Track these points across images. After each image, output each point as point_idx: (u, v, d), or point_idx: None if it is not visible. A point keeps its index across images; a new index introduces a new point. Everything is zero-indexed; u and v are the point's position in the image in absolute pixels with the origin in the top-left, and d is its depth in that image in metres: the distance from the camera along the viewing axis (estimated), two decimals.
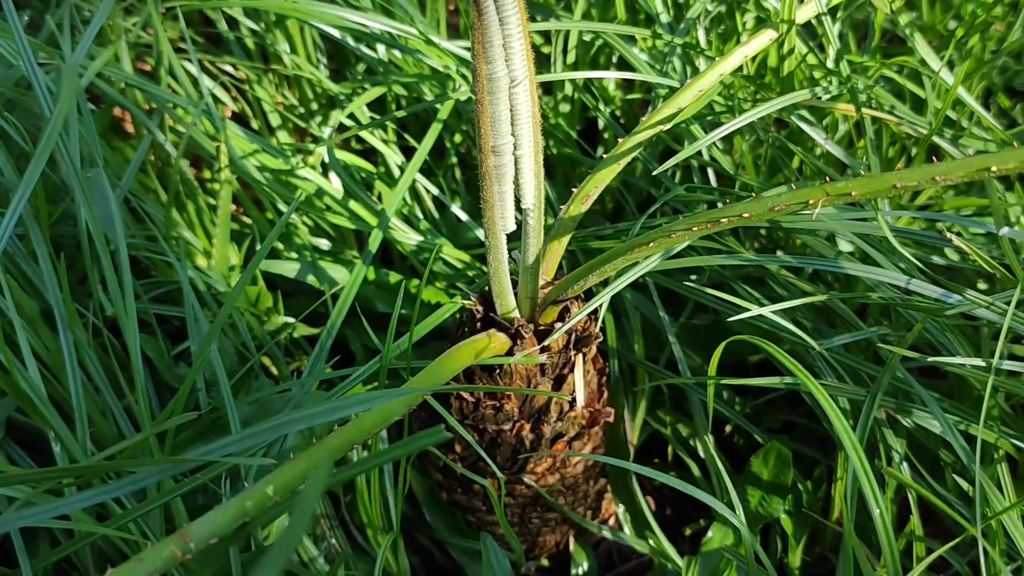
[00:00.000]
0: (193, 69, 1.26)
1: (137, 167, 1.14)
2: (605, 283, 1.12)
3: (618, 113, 1.39)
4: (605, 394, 1.08)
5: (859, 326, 1.03)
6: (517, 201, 0.89)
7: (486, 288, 1.04)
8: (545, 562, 1.20)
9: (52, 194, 1.09)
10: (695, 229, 0.82)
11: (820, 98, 1.07)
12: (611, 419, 1.06)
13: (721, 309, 1.13)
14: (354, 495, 1.09)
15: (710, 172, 1.22)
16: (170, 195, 1.14)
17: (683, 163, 1.28)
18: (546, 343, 0.95)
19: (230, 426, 0.93)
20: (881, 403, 0.96)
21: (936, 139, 1.08)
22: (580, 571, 1.17)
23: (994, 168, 0.67)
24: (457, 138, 1.37)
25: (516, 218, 0.89)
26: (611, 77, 1.22)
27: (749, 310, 1.06)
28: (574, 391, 1.02)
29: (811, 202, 0.76)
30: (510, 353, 0.98)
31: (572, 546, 1.16)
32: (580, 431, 1.06)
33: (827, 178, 1.13)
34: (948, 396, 1.02)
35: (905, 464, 1.02)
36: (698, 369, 1.21)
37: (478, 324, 1.01)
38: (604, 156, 1.33)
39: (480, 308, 1.00)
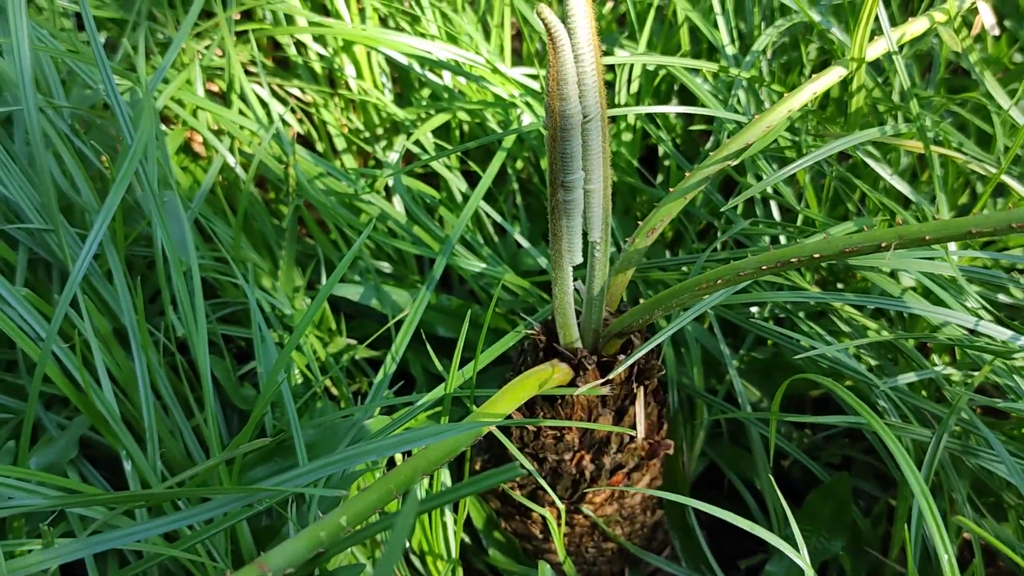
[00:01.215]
0: (263, 92, 1.28)
1: (208, 189, 1.16)
2: (668, 317, 1.12)
3: (679, 142, 1.40)
4: (665, 426, 1.08)
5: (923, 364, 1.02)
6: (584, 234, 0.90)
7: (549, 318, 1.05)
8: None
9: (126, 215, 1.11)
10: (764, 268, 0.82)
11: (886, 132, 1.07)
12: (671, 451, 1.06)
13: (782, 343, 1.13)
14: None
15: (772, 204, 1.22)
16: (239, 217, 1.16)
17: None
18: (610, 376, 0.96)
19: (296, 450, 0.94)
20: (946, 444, 0.95)
21: (1004, 177, 1.07)
22: None
23: None
24: (519, 164, 1.38)
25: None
26: (679, 111, 1.22)
27: (811, 347, 1.06)
28: (635, 423, 1.03)
29: (884, 244, 0.76)
30: (573, 384, 0.98)
31: (627, 574, 1.16)
32: (639, 462, 1.07)
33: (896, 216, 1.13)
34: (1012, 438, 1.01)
35: (967, 505, 1.01)
36: (757, 402, 1.21)
37: (540, 354, 1.01)
38: (666, 186, 1.34)
39: (543, 338, 1.01)
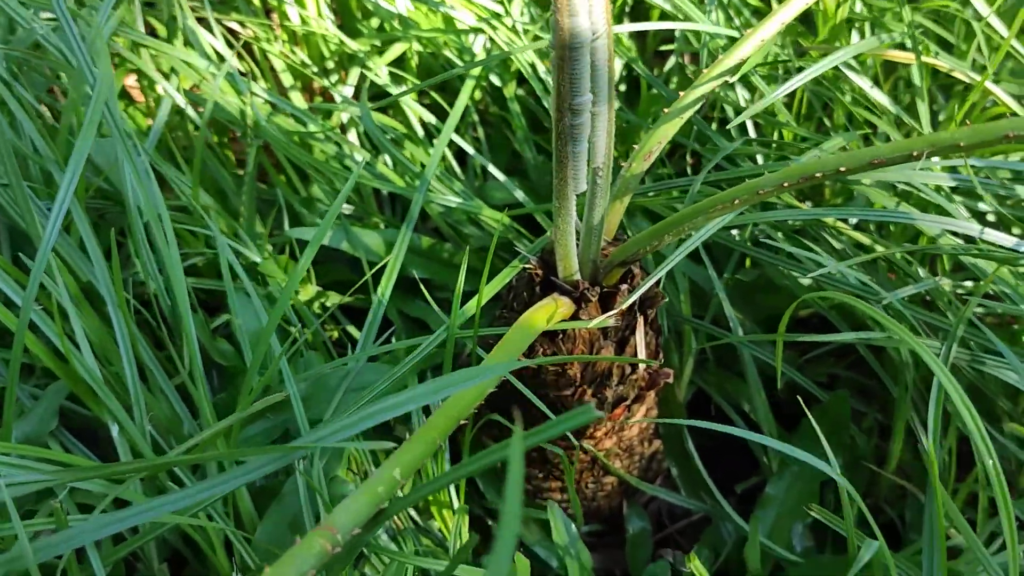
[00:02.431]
0: (203, 31, 1.20)
1: (159, 133, 1.08)
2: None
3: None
4: (661, 355, 1.06)
5: (918, 277, 1.01)
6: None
7: (543, 252, 1.01)
8: (598, 526, 1.18)
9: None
10: (786, 185, 0.79)
11: (881, 43, 1.04)
12: (671, 380, 1.03)
13: (770, 263, 1.11)
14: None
15: (749, 125, 1.19)
16: (196, 162, 1.08)
17: (719, 116, 1.25)
18: (619, 309, 0.92)
19: (291, 405, 0.89)
20: (956, 354, 0.94)
21: (989, 84, 1.06)
22: (633, 530, 1.15)
23: None
24: (477, 95, 1.33)
25: None
26: (676, 28, 1.16)
27: (804, 267, 1.04)
28: (635, 353, 1.00)
29: (915, 153, 0.74)
30: (575, 317, 0.95)
31: (626, 509, 1.14)
32: (640, 393, 1.04)
33: (876, 129, 1.12)
34: (1015, 344, 1.01)
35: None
36: (740, 324, 1.19)
37: (537, 288, 0.97)
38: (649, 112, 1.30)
39: (540, 272, 0.97)
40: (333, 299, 1.18)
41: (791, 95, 1.23)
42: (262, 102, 1.15)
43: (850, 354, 1.21)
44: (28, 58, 1.04)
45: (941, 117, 1.25)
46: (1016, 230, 1.05)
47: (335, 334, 1.20)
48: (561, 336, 0.97)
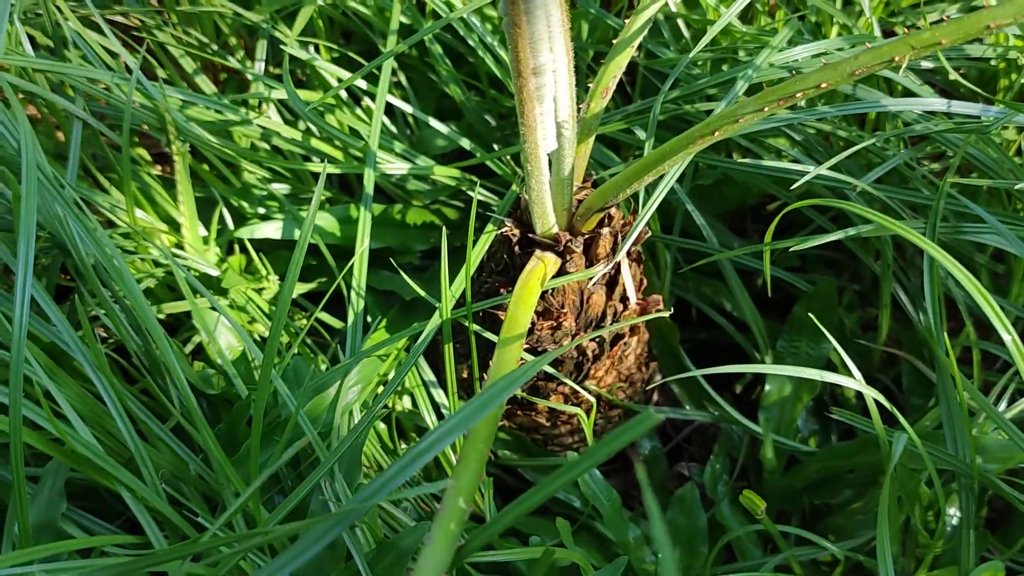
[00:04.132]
0: (96, 36, 1.10)
1: (77, 161, 1.00)
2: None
3: None
4: (644, 281, 1.04)
5: (885, 157, 1.01)
6: None
7: (515, 208, 0.98)
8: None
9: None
10: (765, 109, 0.77)
11: None
12: (661, 305, 1.02)
13: (725, 166, 1.09)
14: None
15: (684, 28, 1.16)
16: (126, 182, 1.01)
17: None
18: (603, 263, 0.90)
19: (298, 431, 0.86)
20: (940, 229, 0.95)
21: None
22: (646, 451, 1.16)
23: None
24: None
25: None
26: None
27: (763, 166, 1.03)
28: (625, 292, 0.98)
29: (897, 59, 0.72)
30: (562, 271, 0.92)
31: None
32: (633, 326, 1.03)
33: (834, 19, 1.09)
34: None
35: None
36: (711, 227, 1.18)
37: (516, 248, 0.95)
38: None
39: (517, 231, 0.94)
40: (299, 289, 1.14)
41: None
42: (177, 102, 1.08)
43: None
44: None
45: None
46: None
47: (302, 322, 1.16)
48: (551, 291, 0.95)
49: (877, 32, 1.06)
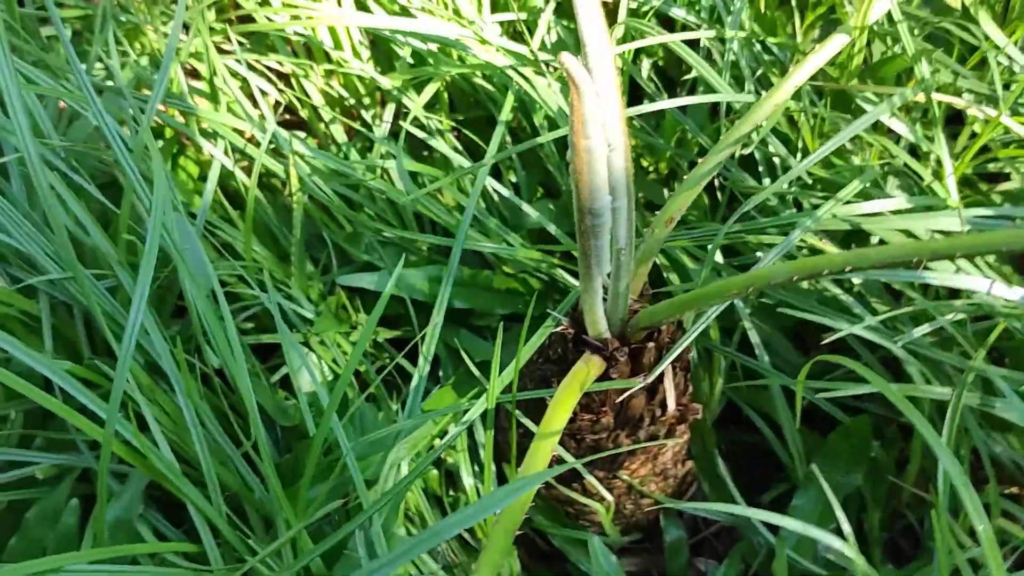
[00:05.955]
0: (242, 70, 1.25)
1: (210, 199, 1.15)
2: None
3: (661, 63, 1.39)
4: (690, 388, 1.13)
5: (932, 316, 1.06)
6: None
7: (574, 309, 1.07)
8: (638, 535, 1.27)
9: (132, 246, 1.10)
10: (795, 279, 0.85)
11: (900, 98, 1.07)
12: (699, 415, 1.11)
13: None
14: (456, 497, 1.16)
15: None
16: (247, 223, 1.15)
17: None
18: (650, 378, 0.99)
19: (351, 473, 0.98)
20: (966, 401, 1.00)
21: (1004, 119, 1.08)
22: (671, 539, 1.24)
23: None
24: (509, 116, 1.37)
25: None
26: (696, 102, 1.18)
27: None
28: (665, 400, 1.07)
29: (916, 261, 0.79)
30: (607, 376, 1.02)
31: (663, 520, 1.23)
32: (671, 429, 1.11)
33: (896, 158, 1.15)
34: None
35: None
36: (767, 337, 1.24)
37: (570, 344, 1.05)
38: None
39: (572, 331, 1.04)
40: (383, 335, 1.26)
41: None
42: (306, 155, 1.22)
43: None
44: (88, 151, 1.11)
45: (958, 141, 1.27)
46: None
47: (386, 362, 1.28)
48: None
49: (954, 195, 1.11)
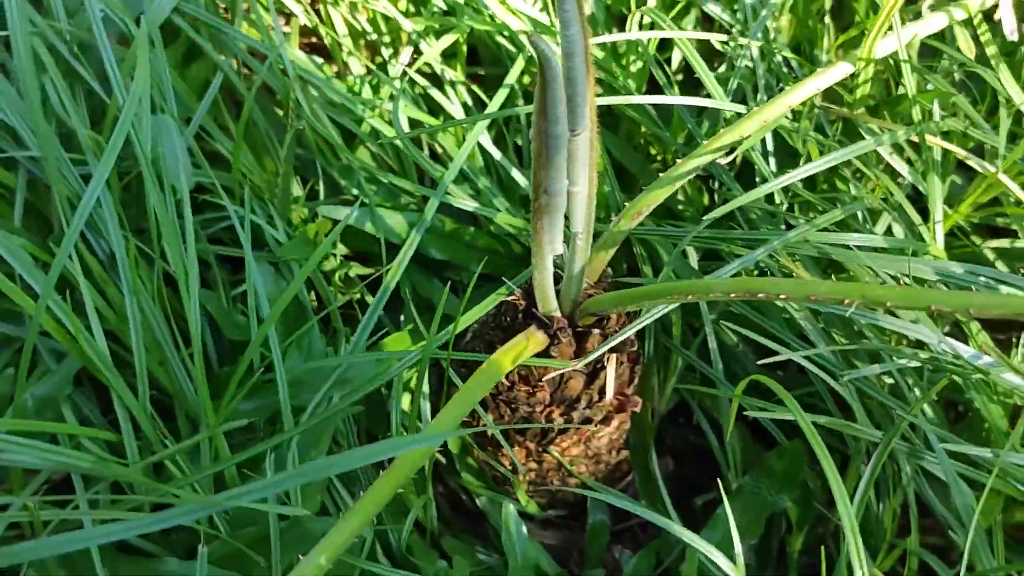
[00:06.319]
0: None
1: (208, 105, 1.17)
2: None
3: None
4: (636, 379, 1.13)
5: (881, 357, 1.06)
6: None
7: (529, 283, 1.08)
8: (563, 511, 1.28)
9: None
10: (733, 296, 0.85)
11: (894, 138, 1.05)
12: (638, 408, 1.11)
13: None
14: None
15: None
16: (238, 135, 1.16)
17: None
18: (586, 360, 1.00)
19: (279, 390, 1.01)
20: (895, 446, 1.00)
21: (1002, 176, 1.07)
22: (593, 521, 1.25)
23: None
24: (525, 79, 1.37)
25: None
26: (682, 103, 1.16)
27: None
28: (604, 386, 1.08)
29: (847, 302, 0.78)
30: (547, 353, 1.03)
31: (589, 502, 1.24)
32: (607, 416, 1.12)
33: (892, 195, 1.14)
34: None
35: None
36: (733, 346, 1.24)
37: (520, 315, 1.06)
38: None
39: (523, 302, 1.05)
40: (356, 270, 1.28)
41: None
42: (312, 80, 1.23)
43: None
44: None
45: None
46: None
47: (358, 295, 1.30)
48: None
49: (940, 243, 1.09)
